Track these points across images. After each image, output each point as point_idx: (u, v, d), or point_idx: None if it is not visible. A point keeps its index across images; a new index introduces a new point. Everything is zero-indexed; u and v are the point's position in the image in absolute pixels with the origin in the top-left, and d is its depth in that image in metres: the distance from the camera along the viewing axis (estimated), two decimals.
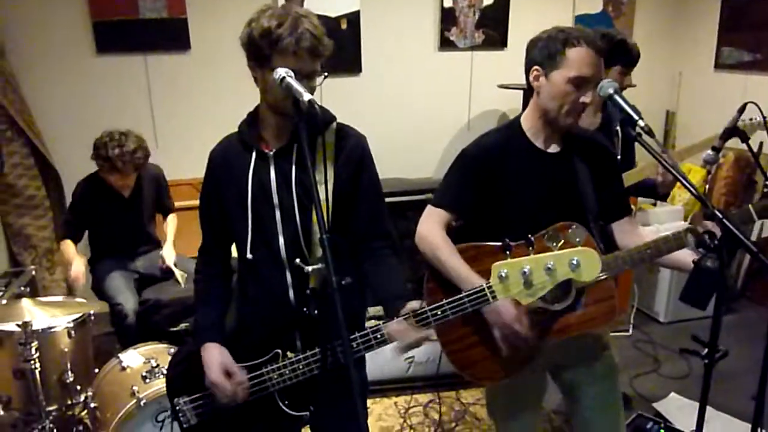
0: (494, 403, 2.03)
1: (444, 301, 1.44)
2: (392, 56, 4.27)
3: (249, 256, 1.55)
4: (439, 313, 1.43)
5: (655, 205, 4.36)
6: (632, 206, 3.22)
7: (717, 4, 4.45)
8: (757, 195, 4.09)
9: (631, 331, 3.83)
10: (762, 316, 3.93)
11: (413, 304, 1.43)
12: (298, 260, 1.51)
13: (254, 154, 1.53)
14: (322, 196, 1.46)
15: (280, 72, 1.34)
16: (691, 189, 1.38)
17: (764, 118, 2.01)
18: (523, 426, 1.94)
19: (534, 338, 1.65)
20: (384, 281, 1.56)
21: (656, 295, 3.99)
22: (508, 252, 1.36)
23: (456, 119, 4.42)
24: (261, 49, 1.39)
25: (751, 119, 2.05)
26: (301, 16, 1.40)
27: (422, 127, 4.36)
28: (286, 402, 1.57)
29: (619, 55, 2.22)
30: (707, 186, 4.17)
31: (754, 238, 4.22)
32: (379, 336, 1.44)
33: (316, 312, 1.50)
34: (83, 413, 2.65)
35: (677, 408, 3.01)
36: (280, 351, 1.54)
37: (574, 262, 1.27)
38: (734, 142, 4.03)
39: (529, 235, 1.37)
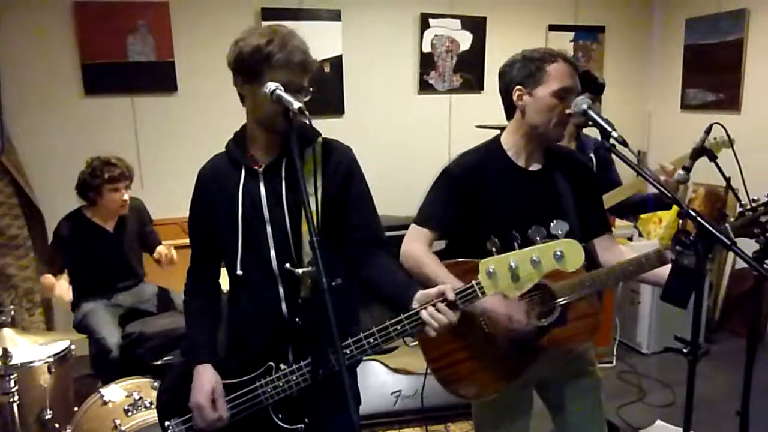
0: (482, 423, 2.01)
1: (434, 300, 1.44)
2: (374, 98, 4.42)
3: (239, 272, 1.56)
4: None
5: (630, 239, 4.47)
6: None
7: (680, 49, 4.73)
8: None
9: (614, 362, 3.86)
10: (739, 345, 3.99)
11: (448, 291, 1.38)
12: (287, 264, 1.51)
13: (243, 171, 1.56)
14: (312, 207, 1.51)
15: (271, 86, 1.39)
16: (666, 191, 1.45)
17: (728, 135, 2.13)
18: None
19: (533, 329, 1.68)
20: (387, 278, 1.53)
21: (638, 327, 4.04)
22: (494, 249, 1.38)
23: (436, 159, 4.43)
24: (252, 66, 1.43)
25: (715, 138, 2.17)
26: (289, 33, 1.46)
27: (404, 167, 4.45)
28: (280, 416, 1.55)
29: (586, 83, 2.34)
30: (680, 221, 4.29)
31: (727, 270, 4.33)
32: (372, 340, 1.43)
33: (306, 322, 1.50)
34: None
35: None
36: (272, 364, 1.53)
37: (558, 253, 1.29)
38: (705, 178, 4.20)
39: (514, 232, 1.40)
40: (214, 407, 1.53)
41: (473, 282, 1.39)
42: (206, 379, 1.55)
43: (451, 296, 1.36)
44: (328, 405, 1.51)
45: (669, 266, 1.65)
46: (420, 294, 1.41)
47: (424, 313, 1.37)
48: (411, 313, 1.40)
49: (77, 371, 2.99)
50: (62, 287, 2.90)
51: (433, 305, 1.37)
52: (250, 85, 1.47)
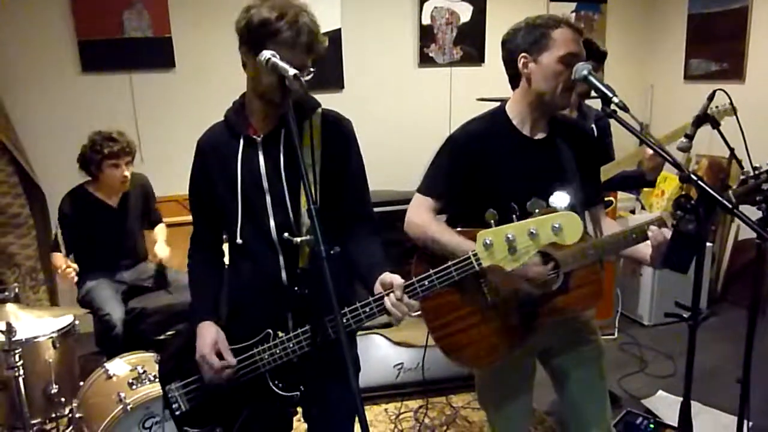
0: (485, 392, 2.03)
1: (431, 271, 1.45)
2: (374, 72, 4.38)
3: (239, 240, 1.57)
4: (426, 283, 1.44)
5: (633, 212, 4.46)
6: (612, 199, 3.32)
7: (683, 18, 4.66)
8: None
9: (616, 334, 3.88)
10: (741, 316, 4.00)
11: (396, 284, 1.43)
12: (286, 234, 1.52)
13: (242, 140, 1.56)
14: (311, 179, 1.52)
15: (266, 54, 1.37)
16: (667, 156, 1.44)
17: (731, 103, 2.10)
18: (516, 410, 1.95)
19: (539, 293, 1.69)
20: (363, 255, 1.56)
21: (639, 299, 4.05)
22: (492, 221, 1.38)
23: (437, 133, 4.42)
24: (258, 37, 1.41)
25: (717, 107, 2.15)
26: (302, 10, 1.43)
27: (404, 141, 4.44)
28: (276, 382, 1.57)
29: (587, 51, 2.32)
30: (682, 192, 4.28)
31: (730, 241, 4.33)
32: (368, 310, 1.45)
33: (306, 291, 1.52)
34: (69, 429, 2.59)
35: (666, 405, 3.03)
36: (270, 331, 1.55)
37: (556, 225, 1.28)
38: (708, 149, 4.17)
39: (513, 204, 1.39)
40: (220, 357, 1.55)
41: (470, 253, 1.40)
42: (207, 333, 1.58)
43: (398, 294, 1.40)
44: (327, 373, 1.53)
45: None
46: (382, 276, 1.44)
47: (387, 302, 1.41)
48: (377, 297, 1.44)
49: (82, 349, 3.02)
50: (68, 267, 2.89)
51: (395, 295, 1.40)
52: (254, 56, 1.44)
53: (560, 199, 1.33)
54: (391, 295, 1.41)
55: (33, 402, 2.47)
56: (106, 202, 3.09)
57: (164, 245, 3.22)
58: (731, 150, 2.16)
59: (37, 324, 2.52)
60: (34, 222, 3.67)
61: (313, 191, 1.49)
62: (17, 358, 2.30)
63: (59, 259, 2.97)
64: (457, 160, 1.80)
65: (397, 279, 1.42)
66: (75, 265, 2.92)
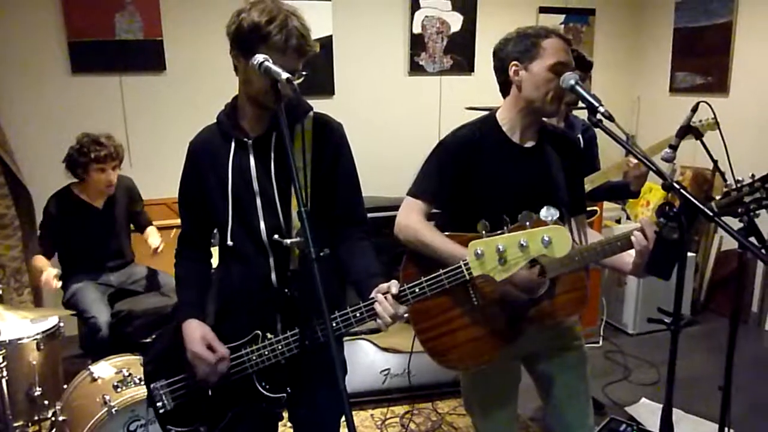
0: (470, 396, 2.04)
1: (422, 279, 1.47)
2: (364, 79, 4.41)
3: (229, 242, 1.58)
4: (417, 290, 1.46)
5: (619, 222, 4.52)
6: (597, 208, 3.36)
7: (669, 32, 4.74)
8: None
9: (601, 342, 3.92)
10: (723, 324, 4.06)
11: (393, 286, 1.45)
12: (276, 236, 1.53)
13: (233, 143, 1.57)
14: (302, 182, 1.53)
15: (258, 57, 1.38)
16: (651, 165, 1.47)
17: (714, 117, 2.15)
18: (501, 415, 1.96)
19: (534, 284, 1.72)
20: (358, 262, 1.59)
21: (624, 308, 4.10)
22: (484, 231, 1.40)
23: (426, 140, 4.45)
24: (248, 42, 1.43)
25: (700, 120, 2.20)
26: (291, 14, 1.45)
27: (394, 148, 4.46)
28: (264, 383, 1.57)
29: (574, 61, 2.37)
30: (666, 194, 4.33)
31: (713, 252, 4.39)
32: (358, 314, 1.46)
33: (295, 292, 1.53)
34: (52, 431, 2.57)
35: (649, 412, 3.07)
36: (259, 332, 1.56)
37: (546, 238, 1.31)
38: (692, 161, 4.24)
39: (504, 216, 1.42)
40: (213, 352, 1.55)
41: (461, 262, 1.43)
42: (194, 329, 1.57)
43: (394, 290, 1.43)
44: (315, 375, 1.54)
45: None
46: (378, 287, 1.46)
47: (377, 305, 1.43)
48: (367, 303, 1.46)
49: (66, 351, 2.99)
50: (49, 275, 2.85)
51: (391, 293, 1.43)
52: (245, 60, 1.46)
53: (550, 211, 1.36)
54: (379, 295, 1.42)
55: (16, 404, 2.45)
56: (92, 204, 3.08)
57: (157, 236, 3.21)
58: (714, 162, 2.20)
59: (22, 325, 2.50)
60: (20, 223, 3.63)
61: (303, 194, 1.51)
62: (1, 359, 2.28)
63: (40, 261, 2.94)
64: (447, 165, 1.82)
65: (393, 284, 1.45)
66: (57, 270, 2.89)
